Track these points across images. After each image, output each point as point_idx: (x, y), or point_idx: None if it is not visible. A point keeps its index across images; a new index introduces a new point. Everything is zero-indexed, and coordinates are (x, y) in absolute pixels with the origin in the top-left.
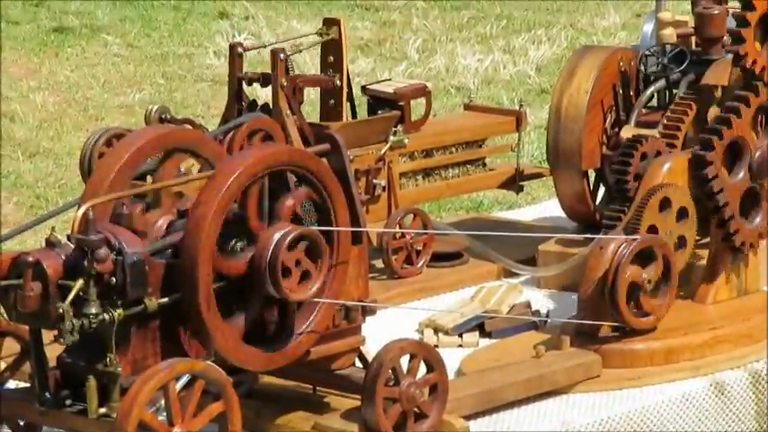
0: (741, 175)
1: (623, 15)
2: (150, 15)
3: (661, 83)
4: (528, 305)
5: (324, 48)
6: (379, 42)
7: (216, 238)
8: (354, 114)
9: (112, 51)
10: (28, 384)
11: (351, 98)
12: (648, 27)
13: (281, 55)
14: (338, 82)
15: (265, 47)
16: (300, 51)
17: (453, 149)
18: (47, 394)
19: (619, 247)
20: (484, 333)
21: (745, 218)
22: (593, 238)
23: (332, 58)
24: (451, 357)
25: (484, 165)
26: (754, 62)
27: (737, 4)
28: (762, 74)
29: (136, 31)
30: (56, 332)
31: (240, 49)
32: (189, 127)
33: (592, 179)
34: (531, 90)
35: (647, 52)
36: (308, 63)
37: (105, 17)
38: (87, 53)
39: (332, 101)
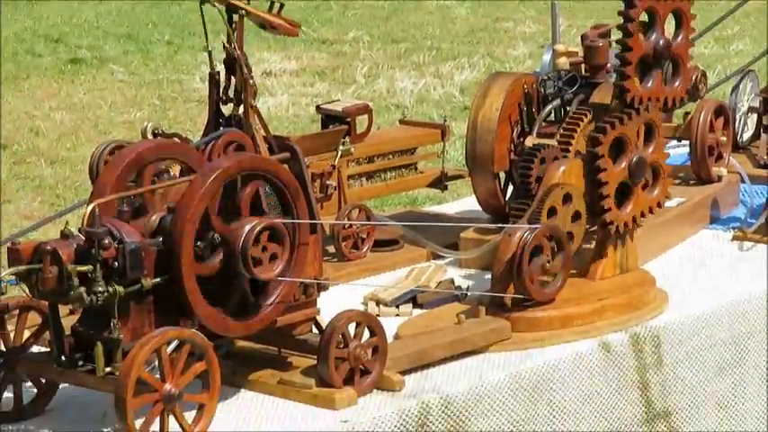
0: (623, 165)
1: (530, 47)
2: (148, 49)
3: (557, 102)
4: (452, 282)
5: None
6: (333, 70)
7: (197, 229)
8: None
9: (117, 78)
10: (48, 349)
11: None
12: (547, 56)
13: (251, 81)
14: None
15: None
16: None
17: (390, 156)
18: (63, 357)
19: (524, 234)
20: (416, 304)
21: (618, 207)
22: (503, 227)
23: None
24: (390, 324)
25: (416, 168)
26: (633, 97)
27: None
28: (639, 103)
29: (136, 62)
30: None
31: (217, 76)
32: (177, 140)
33: (503, 180)
34: (456, 107)
35: (545, 77)
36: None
37: (112, 51)
38: (97, 80)
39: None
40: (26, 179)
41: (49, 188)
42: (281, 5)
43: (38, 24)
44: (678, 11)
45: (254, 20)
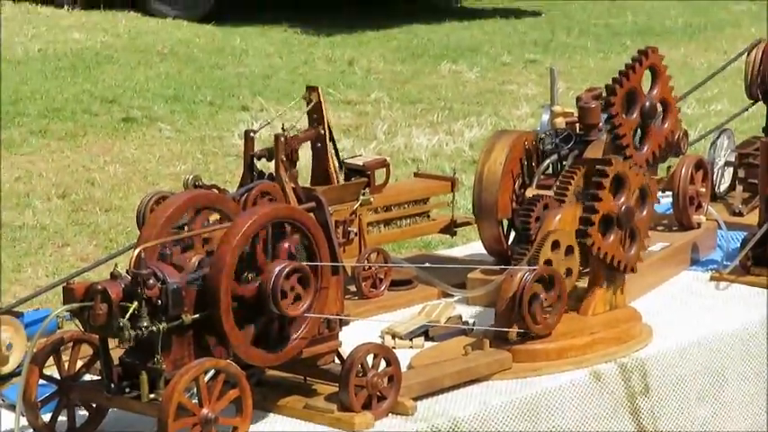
0: (612, 237)
1: (532, 107)
2: (192, 109)
3: (554, 157)
4: (460, 317)
5: (309, 112)
6: (356, 127)
7: (234, 270)
8: (338, 154)
9: (165, 135)
10: (98, 378)
11: (333, 141)
12: (545, 116)
13: (282, 138)
14: (322, 131)
15: (268, 123)
16: (294, 127)
17: (406, 205)
18: (112, 385)
19: (524, 275)
20: (428, 338)
21: (623, 248)
22: (506, 269)
23: (315, 115)
24: (404, 355)
25: (428, 216)
26: (620, 125)
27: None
28: (624, 139)
29: (182, 121)
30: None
31: (251, 134)
32: (215, 191)
33: (506, 226)
34: (466, 161)
35: (543, 135)
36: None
37: (160, 110)
38: (147, 136)
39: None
40: (83, 225)
41: (103, 233)
42: None
43: (94, 87)
44: (664, 101)
45: None
